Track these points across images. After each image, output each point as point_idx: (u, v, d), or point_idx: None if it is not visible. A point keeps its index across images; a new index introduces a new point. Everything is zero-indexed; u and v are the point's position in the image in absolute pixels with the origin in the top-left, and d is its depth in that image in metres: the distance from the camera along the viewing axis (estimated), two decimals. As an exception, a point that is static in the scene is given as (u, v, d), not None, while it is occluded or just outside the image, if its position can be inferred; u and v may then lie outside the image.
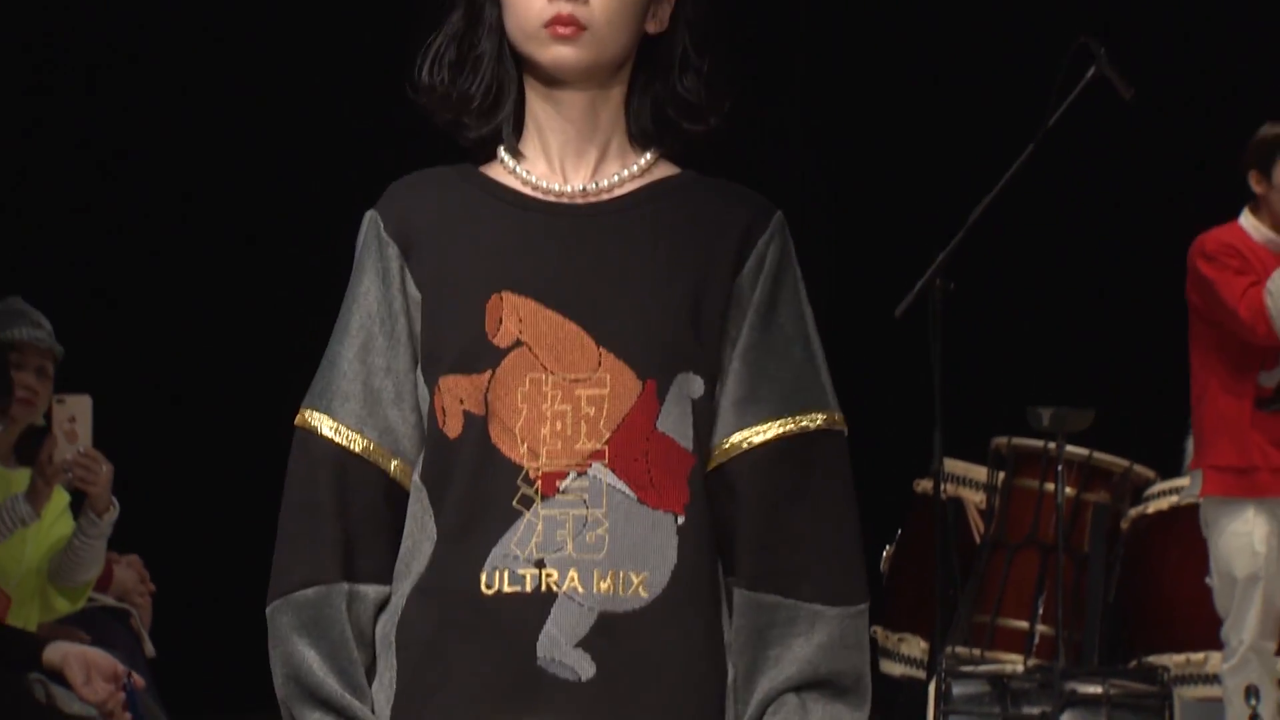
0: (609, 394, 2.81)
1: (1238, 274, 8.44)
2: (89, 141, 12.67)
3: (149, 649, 8.68)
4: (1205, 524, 8.72)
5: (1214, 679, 9.07)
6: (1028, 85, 9.51)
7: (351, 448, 2.90)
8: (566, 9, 2.80)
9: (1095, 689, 8.62)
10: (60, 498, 8.32)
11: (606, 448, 2.80)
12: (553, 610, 2.80)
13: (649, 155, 2.99)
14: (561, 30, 2.82)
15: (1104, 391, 9.84)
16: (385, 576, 2.94)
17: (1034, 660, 9.59)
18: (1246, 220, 8.61)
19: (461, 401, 2.82)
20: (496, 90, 2.96)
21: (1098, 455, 10.06)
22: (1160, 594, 9.87)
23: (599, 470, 2.79)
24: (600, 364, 2.82)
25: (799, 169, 12.17)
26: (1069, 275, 10.70)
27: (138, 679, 7.39)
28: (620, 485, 2.80)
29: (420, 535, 2.90)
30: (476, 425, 2.83)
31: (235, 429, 11.88)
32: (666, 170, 3.00)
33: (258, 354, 12.39)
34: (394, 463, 2.92)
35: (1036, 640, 9.79)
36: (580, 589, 2.79)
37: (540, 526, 2.80)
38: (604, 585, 2.80)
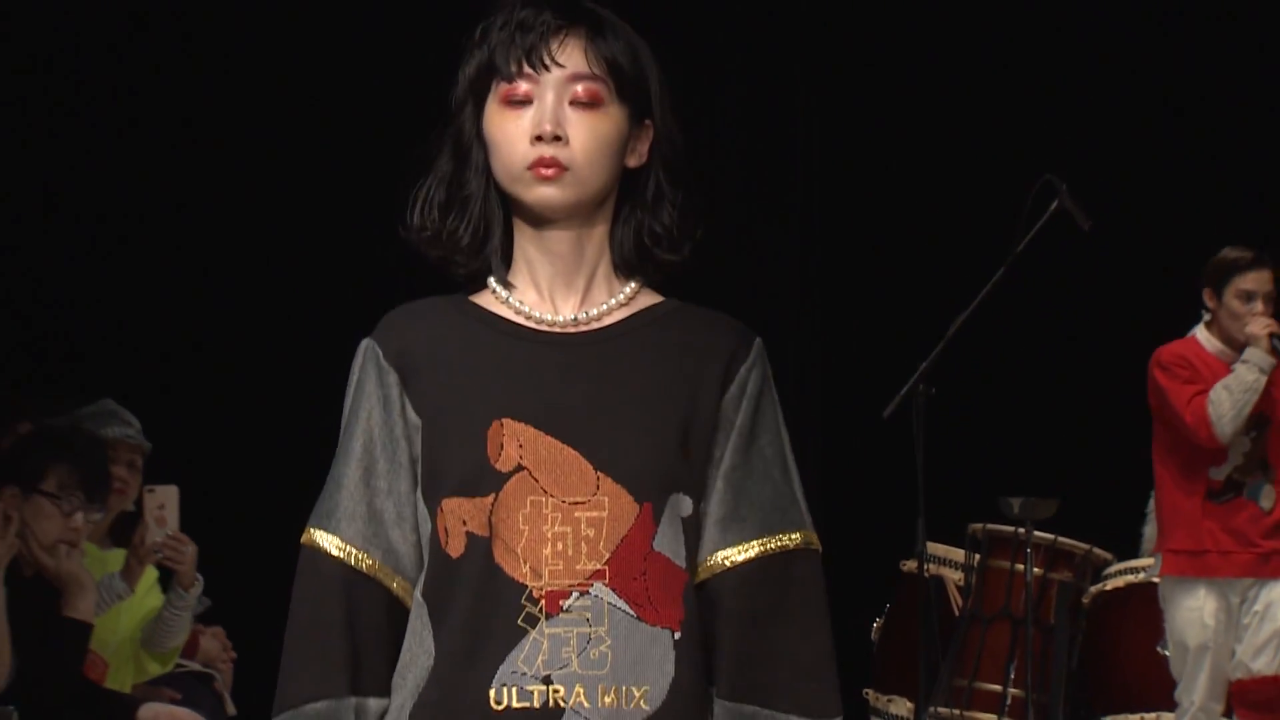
0: (607, 516, 2.70)
1: (1186, 383, 8.55)
2: (174, 255, 12.16)
3: (230, 709, 8.72)
4: (1163, 599, 8.80)
5: None
6: (1000, 214, 9.52)
7: (358, 567, 2.77)
8: (549, 152, 2.72)
9: (1061, 748, 8.46)
10: (151, 574, 8.33)
11: (607, 568, 2.69)
12: None
13: (633, 284, 2.88)
14: (545, 172, 2.73)
15: (1067, 484, 9.91)
16: (386, 690, 2.82)
17: (1007, 719, 9.69)
18: (1201, 333, 8.70)
19: (464, 523, 2.70)
20: (484, 228, 2.85)
21: (1062, 540, 10.14)
22: (1117, 661, 9.96)
23: (600, 589, 2.68)
24: (598, 488, 2.70)
25: (796, 289, 12.13)
26: (1037, 382, 10.70)
27: None
28: (620, 604, 2.68)
29: (418, 649, 2.76)
30: (480, 546, 2.71)
31: (303, 517, 11.21)
32: (650, 298, 2.89)
33: (322, 448, 11.89)
34: (396, 581, 2.79)
35: (1009, 701, 9.88)
36: (586, 704, 2.68)
37: (546, 644, 2.67)
38: (608, 700, 2.69)
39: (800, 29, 13.29)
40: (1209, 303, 8.66)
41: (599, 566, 2.66)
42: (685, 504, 2.72)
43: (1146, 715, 9.54)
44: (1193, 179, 12.08)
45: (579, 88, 2.73)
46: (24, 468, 7.26)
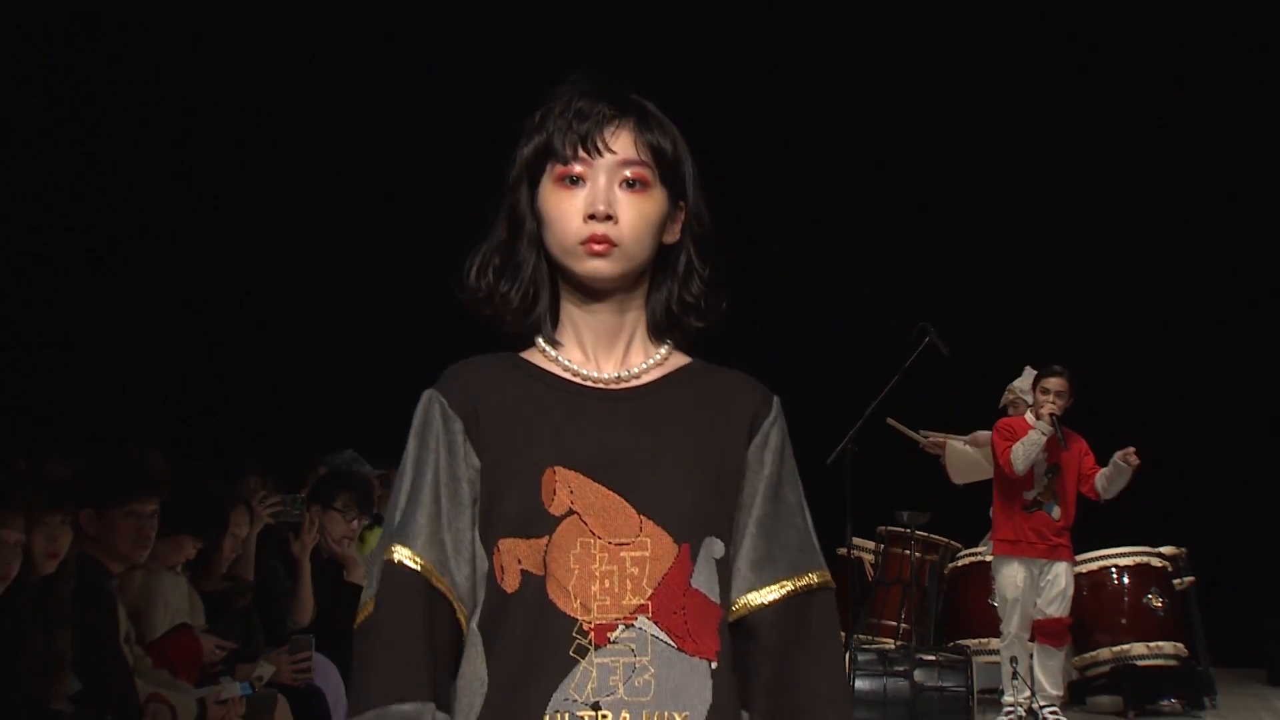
0: (650, 556, 2.14)
1: (1005, 440, 8.72)
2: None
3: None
4: (993, 570, 8.95)
5: (994, 651, 9.19)
6: (893, 349, 9.37)
7: (436, 585, 2.16)
8: (600, 230, 2.18)
9: (931, 656, 8.43)
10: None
11: (650, 603, 2.13)
12: None
13: (666, 346, 2.30)
14: (596, 247, 2.18)
15: (935, 502, 9.84)
16: (448, 708, 2.17)
17: (900, 642, 9.59)
18: (1028, 414, 8.79)
19: (520, 561, 2.14)
20: (533, 293, 2.27)
21: (933, 535, 10.19)
22: (966, 607, 9.96)
23: (644, 623, 2.12)
24: (641, 529, 2.15)
25: (764, 358, 10.72)
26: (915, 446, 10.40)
27: None
28: (662, 636, 2.13)
29: (472, 677, 2.17)
30: (534, 583, 2.14)
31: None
32: (680, 359, 2.31)
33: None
34: (458, 606, 2.18)
35: (901, 632, 9.87)
36: None
37: (595, 673, 2.11)
38: None
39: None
40: (1032, 397, 8.81)
41: (643, 601, 2.13)
42: (718, 546, 2.18)
43: (983, 639, 9.52)
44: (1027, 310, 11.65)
45: (628, 172, 2.20)
46: (323, 493, 7.23)
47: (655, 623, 2.11)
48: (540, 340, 2.26)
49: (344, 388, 9.90)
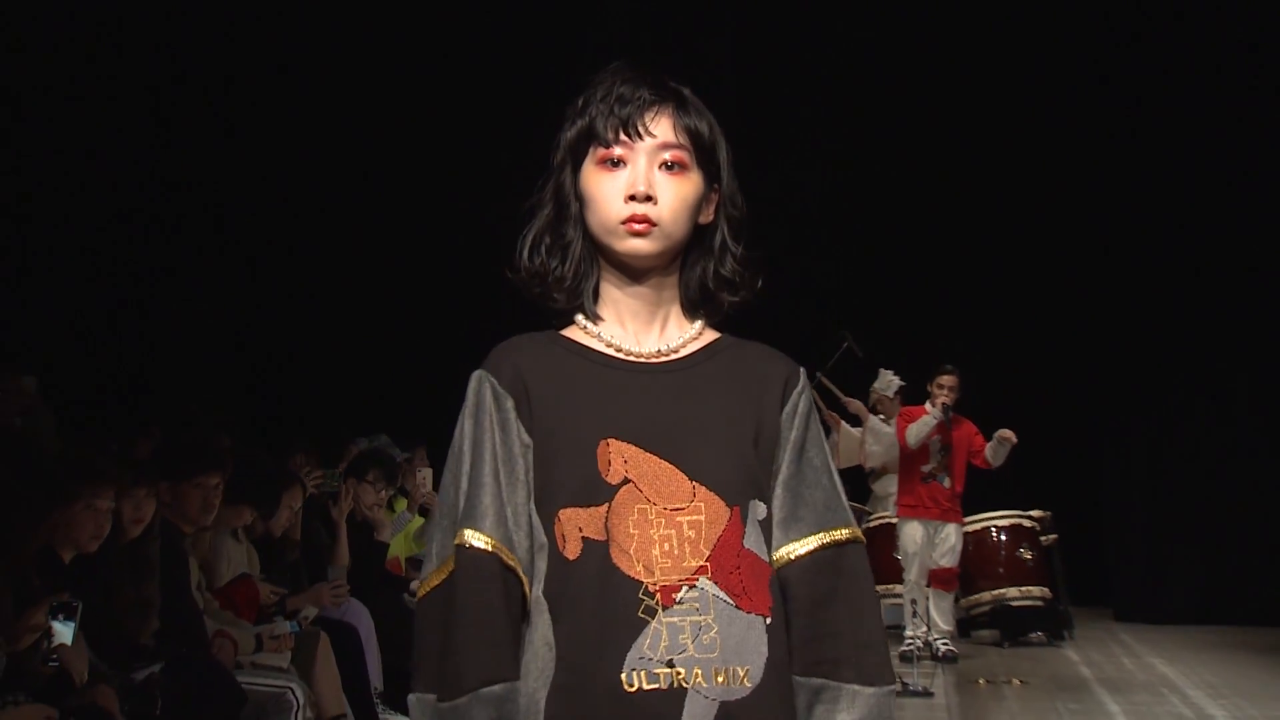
0: (705, 520, 1.91)
1: (905, 422, 8.73)
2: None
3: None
4: (897, 530, 8.90)
5: (898, 595, 9.09)
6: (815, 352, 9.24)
7: (507, 562, 1.92)
8: (640, 210, 1.95)
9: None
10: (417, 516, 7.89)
11: (709, 564, 1.90)
12: (685, 703, 1.87)
13: (700, 322, 2.06)
14: (637, 227, 1.95)
15: (849, 477, 9.31)
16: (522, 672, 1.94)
17: None
18: (927, 404, 8.71)
19: (581, 529, 1.91)
20: (583, 270, 2.03)
21: (852, 503, 9.88)
22: (874, 560, 9.20)
23: (705, 583, 1.90)
24: (694, 495, 1.92)
25: None
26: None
27: None
28: (722, 595, 1.90)
29: (540, 644, 1.93)
30: (597, 549, 1.91)
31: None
32: (712, 334, 2.07)
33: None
34: (525, 579, 1.94)
35: None
36: (704, 684, 1.88)
37: (665, 632, 1.88)
38: (720, 679, 1.89)
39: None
40: (930, 389, 8.77)
41: (702, 563, 1.90)
42: (761, 509, 1.96)
43: (889, 585, 9.31)
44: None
45: (667, 155, 1.97)
46: (357, 469, 7.22)
47: (715, 582, 1.91)
48: (580, 318, 2.04)
49: (376, 381, 9.69)
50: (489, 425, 1.96)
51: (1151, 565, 10.75)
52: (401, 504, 7.75)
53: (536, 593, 1.93)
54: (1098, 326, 11.25)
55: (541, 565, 1.93)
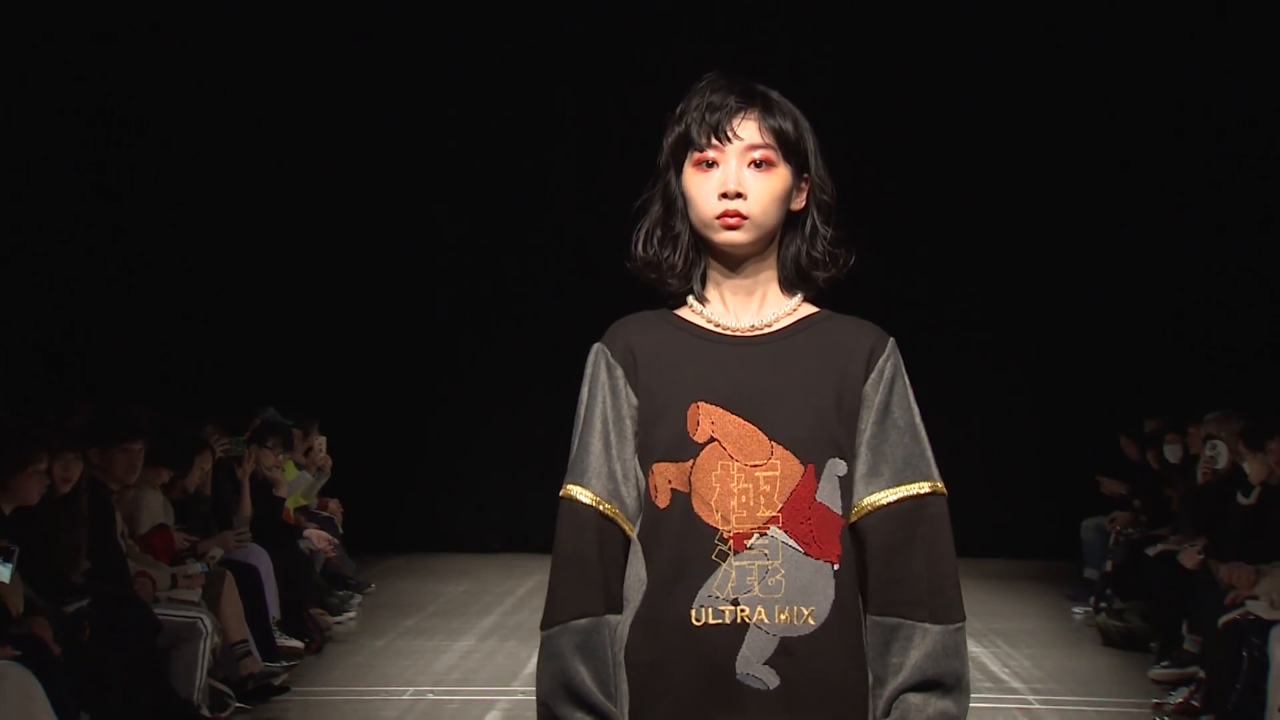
0: (779, 475, 1.82)
1: None
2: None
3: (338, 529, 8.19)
4: None
5: None
6: None
7: (605, 512, 1.85)
8: (732, 206, 1.85)
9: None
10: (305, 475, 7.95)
11: (780, 515, 1.82)
12: (746, 637, 1.79)
13: (797, 298, 1.94)
14: (729, 221, 1.85)
15: None
16: (621, 608, 1.87)
17: None
18: None
19: (670, 481, 1.84)
20: (692, 258, 1.92)
21: None
22: None
23: (775, 532, 1.81)
24: (772, 453, 1.83)
25: None
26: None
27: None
28: (791, 543, 1.81)
29: (634, 578, 1.86)
30: (681, 499, 1.83)
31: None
32: (809, 309, 1.94)
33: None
34: (627, 525, 1.87)
35: None
36: (766, 620, 1.79)
37: (734, 574, 1.80)
38: (783, 617, 1.80)
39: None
40: None
41: (774, 514, 1.81)
42: (840, 466, 1.85)
43: None
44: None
45: (755, 155, 1.86)
46: (259, 437, 7.24)
47: (785, 531, 1.81)
48: (690, 299, 1.94)
49: (277, 360, 9.54)
50: (600, 393, 1.90)
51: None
52: (291, 468, 7.71)
53: (635, 535, 1.87)
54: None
55: (641, 512, 1.88)
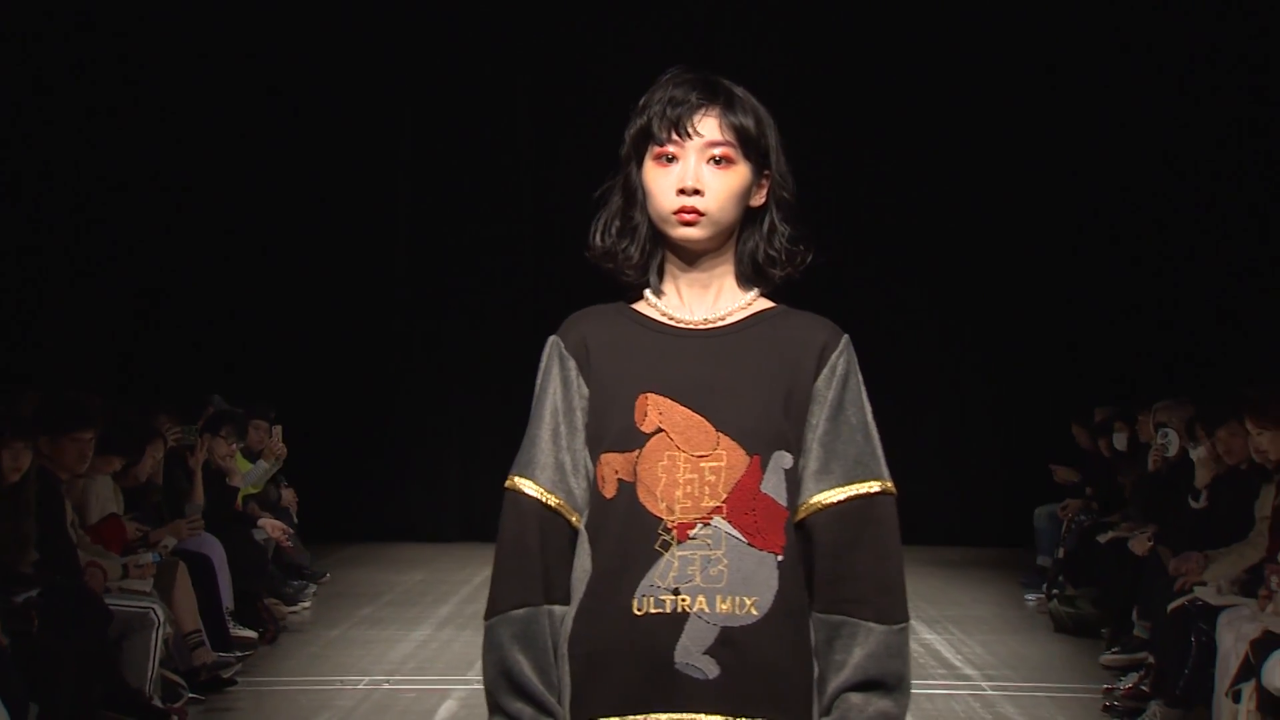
0: (725, 466, 1.81)
1: None
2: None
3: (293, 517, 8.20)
4: None
5: None
6: None
7: (548, 504, 1.85)
8: (690, 202, 1.84)
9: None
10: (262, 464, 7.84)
11: (724, 505, 1.80)
12: (686, 626, 1.78)
13: (753, 293, 1.92)
14: (686, 217, 1.84)
15: None
16: (568, 599, 1.86)
17: None
18: None
19: (616, 471, 1.83)
20: (649, 250, 1.92)
21: None
22: None
23: (719, 522, 1.80)
24: (718, 444, 1.82)
25: None
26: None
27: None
28: (735, 533, 1.80)
29: (579, 569, 1.85)
30: (627, 490, 1.82)
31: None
32: (765, 304, 1.93)
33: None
34: (574, 516, 1.86)
35: None
36: (707, 610, 1.78)
37: (676, 564, 1.79)
38: (724, 606, 1.78)
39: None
40: None
41: (718, 504, 1.80)
42: (787, 459, 1.83)
43: None
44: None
45: (715, 151, 1.85)
46: (212, 425, 7.21)
47: (729, 522, 1.80)
48: (647, 292, 1.93)
49: (225, 350, 9.54)
50: (552, 383, 1.90)
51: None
52: (243, 462, 7.66)
53: (582, 526, 1.86)
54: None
55: (589, 502, 1.87)
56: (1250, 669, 4.34)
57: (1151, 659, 5.48)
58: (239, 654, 6.13)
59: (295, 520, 8.21)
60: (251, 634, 6.48)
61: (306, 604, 7.49)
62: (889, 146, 9.89)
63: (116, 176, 8.84)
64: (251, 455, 7.78)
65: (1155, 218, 9.12)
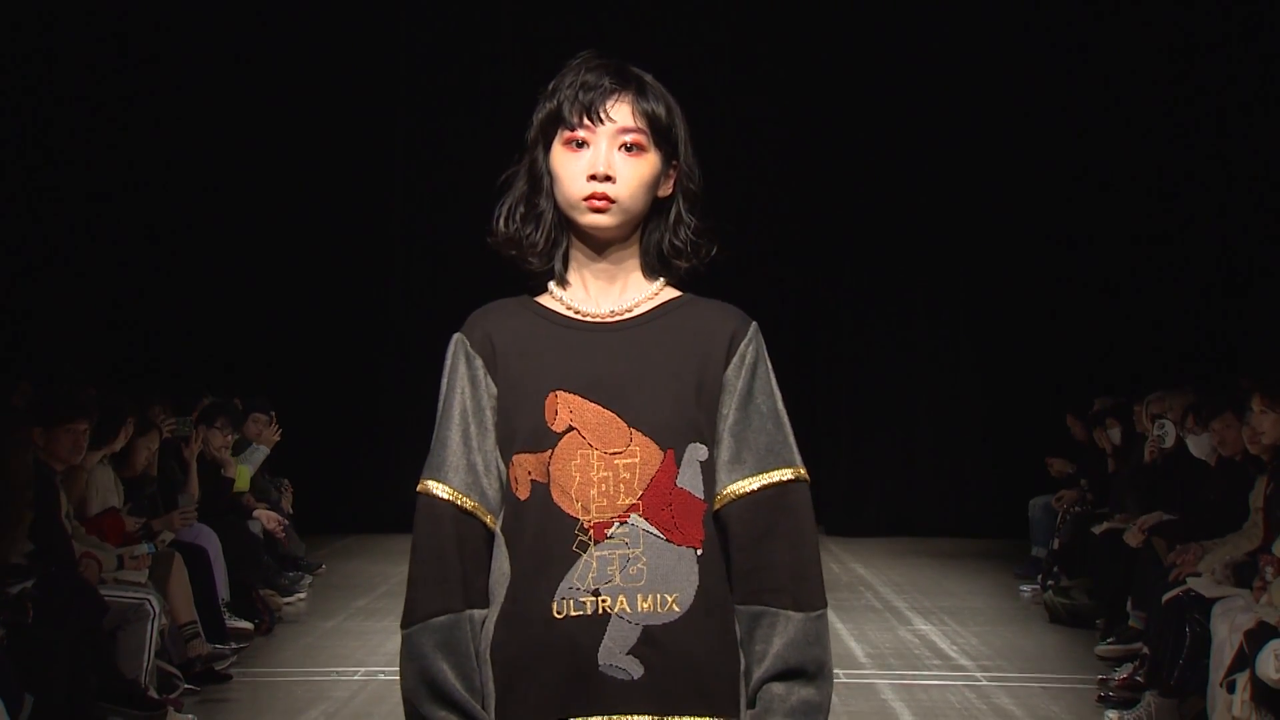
0: (639, 462, 1.78)
1: None
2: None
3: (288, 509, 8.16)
4: None
5: None
6: None
7: (463, 506, 1.81)
8: (600, 188, 1.80)
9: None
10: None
11: (641, 502, 1.77)
12: (608, 628, 1.75)
13: (659, 283, 1.89)
14: (597, 204, 1.80)
15: None
16: (485, 603, 1.82)
17: None
18: None
19: (530, 472, 1.79)
20: (553, 238, 1.87)
21: None
22: None
23: (636, 519, 1.76)
24: (631, 440, 1.78)
25: None
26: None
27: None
28: (652, 530, 1.77)
29: (498, 572, 1.81)
30: (540, 490, 1.78)
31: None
32: (672, 294, 1.90)
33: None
34: (489, 517, 1.82)
35: None
36: (628, 609, 1.75)
37: (595, 564, 1.75)
38: (645, 605, 1.75)
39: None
40: None
41: (634, 501, 1.77)
42: (701, 451, 1.80)
43: None
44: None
45: (626, 138, 1.81)
46: (207, 417, 7.20)
47: (646, 519, 1.77)
48: (552, 284, 1.89)
49: (219, 341, 9.59)
50: (459, 384, 1.85)
51: (853, 485, 10.13)
52: (243, 471, 7.65)
53: (498, 528, 1.82)
54: (796, 241, 10.02)
55: (502, 504, 1.83)
56: (1244, 659, 4.36)
57: (1146, 650, 5.49)
58: (234, 645, 6.13)
59: (290, 512, 8.21)
60: (247, 625, 6.48)
61: (302, 595, 7.49)
62: (888, 136, 9.88)
63: (112, 165, 8.84)
64: (241, 449, 7.73)
65: (1151, 208, 9.12)
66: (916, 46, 9.78)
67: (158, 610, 5.21)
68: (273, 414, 7.96)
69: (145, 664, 5.10)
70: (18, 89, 7.93)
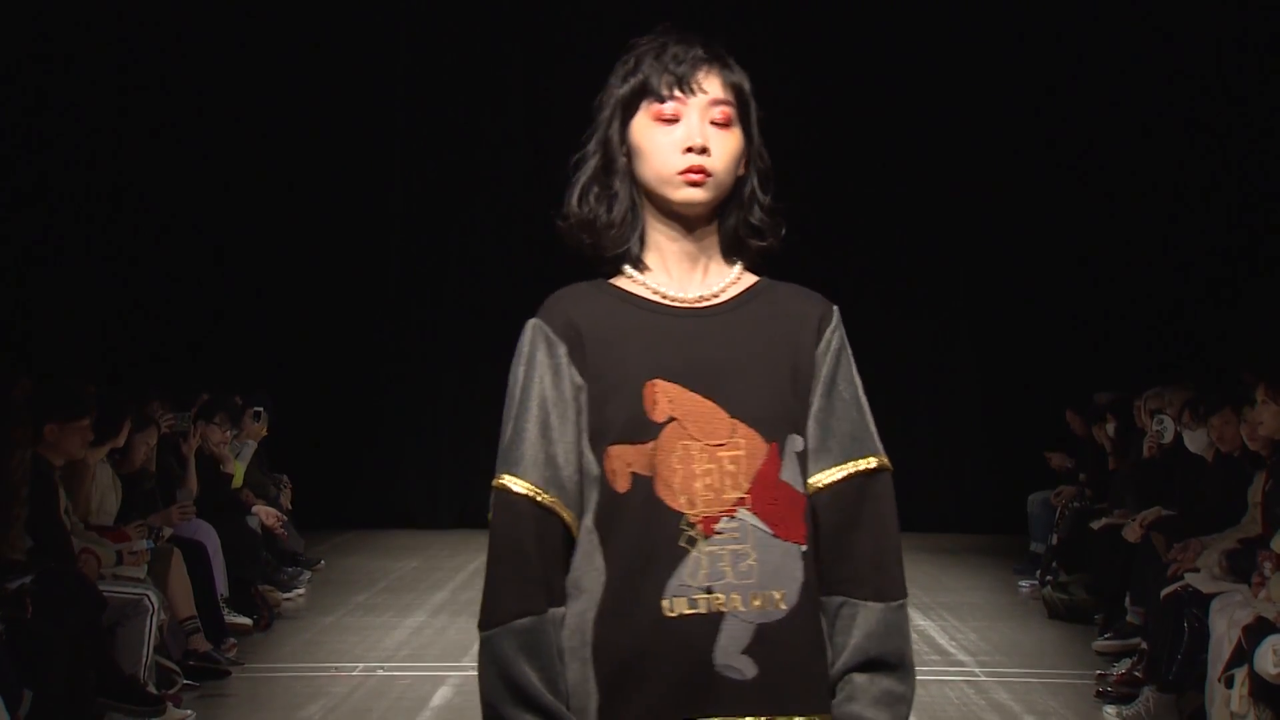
0: (744, 454, 1.72)
1: None
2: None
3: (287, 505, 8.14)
4: None
5: None
6: None
7: (541, 502, 1.72)
8: (698, 161, 1.73)
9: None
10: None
11: (748, 496, 1.71)
12: (722, 626, 1.69)
13: (738, 267, 1.84)
14: (694, 177, 1.74)
15: None
16: (564, 599, 1.74)
17: None
18: None
19: (629, 465, 1.71)
20: (631, 219, 1.79)
21: None
22: None
23: (744, 514, 1.71)
24: (735, 432, 1.72)
25: None
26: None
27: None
28: (760, 524, 1.71)
29: (587, 567, 1.73)
30: (643, 483, 1.71)
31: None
32: (751, 278, 1.84)
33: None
34: (567, 513, 1.73)
35: None
36: (741, 608, 1.69)
37: (705, 561, 1.69)
38: (756, 603, 1.70)
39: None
40: None
41: (741, 495, 1.71)
42: (798, 442, 1.76)
43: None
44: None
45: (718, 111, 1.76)
46: (206, 412, 7.20)
47: (754, 513, 1.72)
48: (627, 267, 1.81)
49: (219, 337, 9.60)
50: (539, 372, 1.76)
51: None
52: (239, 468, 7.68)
53: (588, 523, 1.75)
54: (795, 240, 10.02)
55: (594, 498, 1.74)
56: (1242, 654, 4.36)
57: (1144, 645, 5.50)
58: (234, 641, 6.13)
59: (289, 507, 8.20)
60: (246, 621, 6.48)
61: (301, 591, 7.49)
62: (887, 127, 9.88)
63: (110, 163, 8.80)
64: (239, 446, 7.76)
65: (1151, 203, 9.11)
66: (916, 46, 9.83)
67: (157, 605, 5.21)
68: (260, 410, 8.00)
69: (144, 659, 5.10)
70: (18, 89, 7.95)
